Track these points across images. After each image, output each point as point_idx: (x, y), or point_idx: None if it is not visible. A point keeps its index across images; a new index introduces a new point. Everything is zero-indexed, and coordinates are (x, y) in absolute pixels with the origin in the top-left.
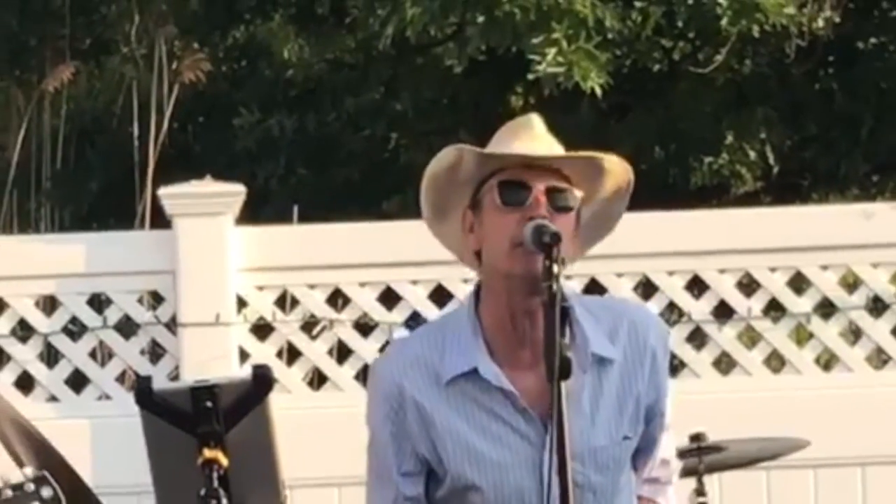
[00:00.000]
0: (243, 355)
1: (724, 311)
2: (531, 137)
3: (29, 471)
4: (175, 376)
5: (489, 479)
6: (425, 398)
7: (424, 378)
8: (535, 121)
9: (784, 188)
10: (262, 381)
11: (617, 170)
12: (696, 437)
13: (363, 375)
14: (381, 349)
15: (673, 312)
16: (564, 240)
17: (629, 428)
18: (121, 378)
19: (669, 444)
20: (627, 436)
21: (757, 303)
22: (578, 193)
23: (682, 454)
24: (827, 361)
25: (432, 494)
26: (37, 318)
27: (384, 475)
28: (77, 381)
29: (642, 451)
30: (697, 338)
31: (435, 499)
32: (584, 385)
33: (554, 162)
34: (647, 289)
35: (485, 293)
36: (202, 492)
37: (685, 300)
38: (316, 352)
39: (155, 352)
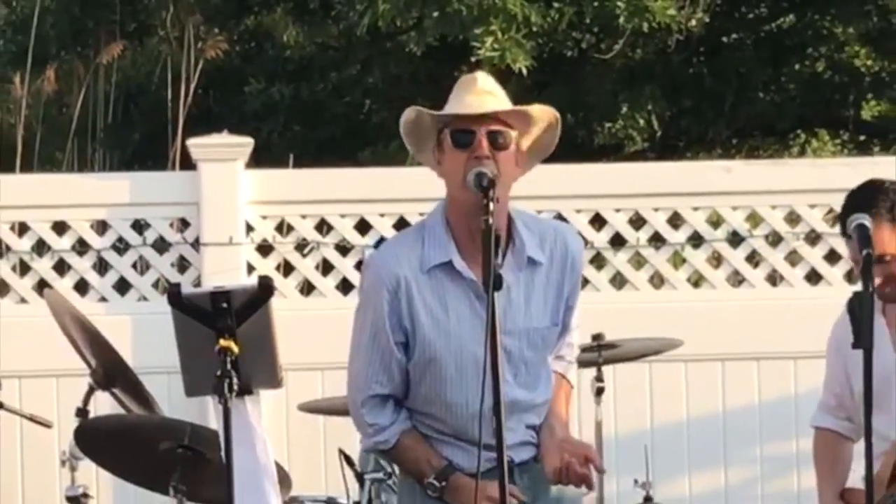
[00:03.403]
0: (250, 268)
1: (618, 241)
2: (477, 92)
3: None
4: (198, 284)
5: (451, 347)
6: (412, 281)
7: (412, 266)
8: (481, 78)
9: (665, 148)
10: (265, 288)
11: (545, 115)
12: (596, 337)
13: (342, 286)
14: (357, 266)
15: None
16: (506, 168)
17: (554, 315)
18: (156, 285)
19: (575, 332)
20: (555, 322)
21: (644, 234)
22: (513, 133)
23: (585, 349)
24: (696, 281)
25: None
26: (91, 237)
27: (379, 341)
28: (122, 287)
29: (559, 335)
30: (598, 261)
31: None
32: (520, 280)
33: (489, 112)
34: None
35: (449, 205)
36: (218, 372)
37: (589, 232)
38: (306, 267)
39: (182, 265)
